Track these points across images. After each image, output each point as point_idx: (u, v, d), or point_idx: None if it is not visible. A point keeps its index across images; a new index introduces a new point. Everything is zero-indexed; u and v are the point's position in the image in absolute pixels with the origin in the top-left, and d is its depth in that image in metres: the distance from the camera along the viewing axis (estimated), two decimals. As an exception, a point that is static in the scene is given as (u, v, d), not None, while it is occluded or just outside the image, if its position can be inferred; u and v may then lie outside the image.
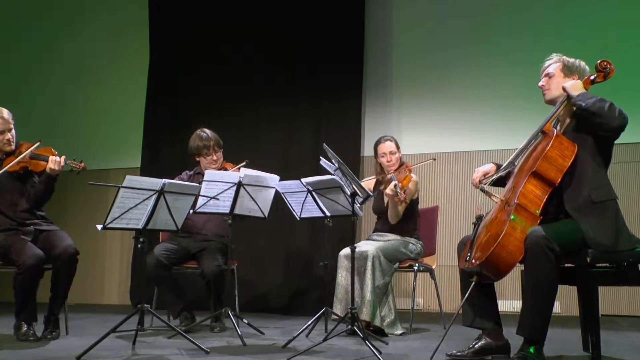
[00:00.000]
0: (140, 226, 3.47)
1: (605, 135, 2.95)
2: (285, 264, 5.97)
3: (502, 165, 3.25)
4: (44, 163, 3.92)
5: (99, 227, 3.36)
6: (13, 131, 4.00)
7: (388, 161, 4.38)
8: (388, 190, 4.08)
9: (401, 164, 4.41)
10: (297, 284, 5.83)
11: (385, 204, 4.36)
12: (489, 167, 3.33)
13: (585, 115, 2.93)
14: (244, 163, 4.46)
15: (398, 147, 4.44)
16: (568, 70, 3.13)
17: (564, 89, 3.06)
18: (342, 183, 3.65)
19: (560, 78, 3.12)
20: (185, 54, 6.59)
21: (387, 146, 4.41)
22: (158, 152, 6.53)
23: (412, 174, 4.31)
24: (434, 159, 4.50)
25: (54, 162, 3.88)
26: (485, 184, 3.19)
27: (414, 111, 6.12)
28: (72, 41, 7.27)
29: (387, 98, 6.20)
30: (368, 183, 4.49)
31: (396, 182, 4.01)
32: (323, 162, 3.83)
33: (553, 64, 3.17)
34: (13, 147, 4.00)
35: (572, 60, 3.16)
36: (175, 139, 6.10)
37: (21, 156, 3.91)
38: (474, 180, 3.29)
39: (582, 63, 3.16)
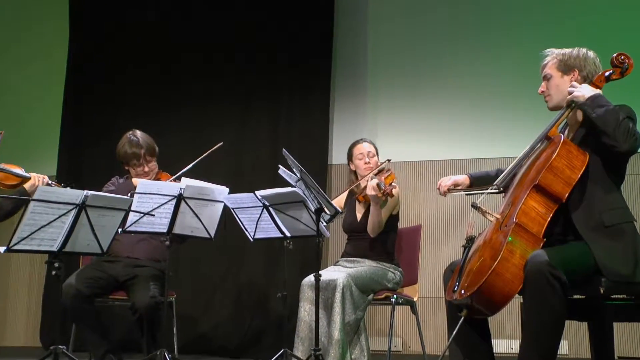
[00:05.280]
0: (55, 248, 3.42)
1: (614, 158, 2.98)
2: (236, 295, 5.95)
3: (476, 176, 3.43)
4: (13, 178, 3.96)
5: (2, 249, 3.30)
6: None
7: (366, 163, 4.40)
8: (370, 190, 4.08)
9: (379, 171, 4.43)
10: (249, 319, 5.81)
11: (359, 218, 4.38)
12: (462, 178, 3.48)
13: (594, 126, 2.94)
14: (220, 144, 4.48)
15: (377, 152, 4.50)
16: (565, 66, 3.13)
17: (570, 100, 3.05)
18: (305, 197, 3.65)
19: (558, 78, 3.14)
20: (114, 40, 6.55)
21: (365, 147, 4.47)
22: (78, 157, 6.48)
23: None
24: (389, 160, 4.43)
25: (40, 180, 3.87)
26: (451, 193, 3.41)
27: (393, 113, 6.16)
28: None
29: (360, 97, 6.25)
30: (338, 200, 4.51)
31: (378, 181, 4.04)
32: (282, 171, 3.84)
33: (549, 62, 3.18)
34: None
35: (568, 51, 3.16)
36: (100, 142, 6.07)
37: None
38: (441, 186, 3.48)
39: (583, 51, 3.15)
